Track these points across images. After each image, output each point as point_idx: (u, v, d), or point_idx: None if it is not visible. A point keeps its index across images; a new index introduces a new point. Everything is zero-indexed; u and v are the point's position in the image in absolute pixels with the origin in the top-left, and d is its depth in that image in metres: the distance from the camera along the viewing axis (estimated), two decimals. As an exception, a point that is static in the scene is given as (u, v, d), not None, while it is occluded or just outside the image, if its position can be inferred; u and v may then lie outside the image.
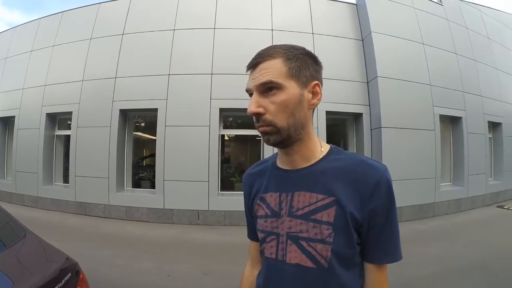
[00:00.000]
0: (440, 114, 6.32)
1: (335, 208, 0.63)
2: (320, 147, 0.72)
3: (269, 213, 0.71)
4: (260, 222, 0.73)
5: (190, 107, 5.31)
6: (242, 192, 0.85)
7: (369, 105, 5.95)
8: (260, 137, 5.34)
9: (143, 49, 5.72)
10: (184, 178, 5.19)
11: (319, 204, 0.64)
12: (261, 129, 0.64)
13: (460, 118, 6.78)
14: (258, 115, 0.63)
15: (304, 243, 0.64)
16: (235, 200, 5.18)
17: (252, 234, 0.84)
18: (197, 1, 5.91)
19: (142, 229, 4.74)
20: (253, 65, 0.65)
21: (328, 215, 0.63)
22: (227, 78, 5.37)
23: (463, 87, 6.89)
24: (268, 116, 0.63)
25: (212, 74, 5.43)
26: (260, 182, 0.77)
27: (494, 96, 7.82)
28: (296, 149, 0.69)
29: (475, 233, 4.81)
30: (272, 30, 5.73)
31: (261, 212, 0.73)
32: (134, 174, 6.03)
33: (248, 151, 6.73)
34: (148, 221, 5.17)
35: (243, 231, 3.83)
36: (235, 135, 6.36)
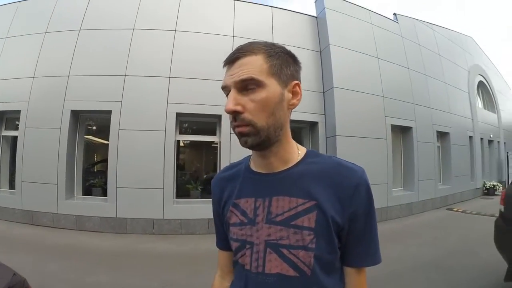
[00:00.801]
0: (392, 124, 6.65)
1: (316, 212, 0.60)
2: (297, 150, 0.69)
3: (244, 220, 0.66)
4: (234, 230, 0.67)
5: (146, 111, 5.09)
6: (211, 198, 0.80)
7: (325, 114, 6.12)
8: (216, 143, 5.22)
9: (100, 47, 5.40)
10: (138, 185, 4.95)
11: (300, 209, 0.61)
12: (239, 129, 0.59)
13: (410, 128, 7.19)
14: (236, 113, 0.58)
15: (285, 251, 0.61)
16: (191, 208, 5.06)
17: (222, 243, 0.79)
18: (159, 1, 5.74)
19: (94, 239, 4.45)
20: (231, 60, 0.60)
21: (309, 220, 0.60)
22: (185, 82, 5.24)
23: (414, 100, 7.32)
24: (247, 115, 0.58)
25: (170, 77, 5.27)
26: (232, 186, 0.72)
27: (443, 108, 8.39)
28: (274, 151, 0.65)
29: (427, 234, 5.06)
30: (233, 36, 5.71)
31: (234, 220, 0.68)
32: (85, 180, 5.65)
33: (203, 158, 6.62)
34: (100, 231, 4.85)
35: (200, 240, 4.06)
36: (190, 141, 6.20)
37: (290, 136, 0.68)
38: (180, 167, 5.64)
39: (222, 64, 0.62)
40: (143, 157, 4.99)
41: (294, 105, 0.64)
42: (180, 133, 5.48)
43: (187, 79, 5.26)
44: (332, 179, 0.63)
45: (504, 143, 13.27)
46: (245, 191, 0.68)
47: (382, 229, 5.38)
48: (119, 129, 5.06)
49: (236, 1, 6.05)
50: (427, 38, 8.52)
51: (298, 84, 0.64)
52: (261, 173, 0.67)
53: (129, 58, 5.33)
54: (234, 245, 0.68)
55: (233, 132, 0.61)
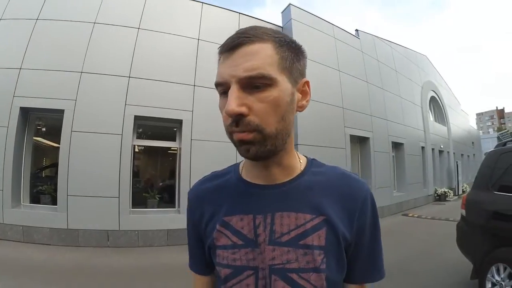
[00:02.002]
0: (350, 135, 7.09)
1: (325, 229, 0.55)
2: (299, 158, 0.61)
3: (239, 242, 0.56)
4: (224, 254, 0.57)
5: (102, 112, 4.86)
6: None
7: (287, 123, 6.32)
8: (174, 149, 5.06)
9: (57, 40, 5.04)
10: (91, 193, 4.67)
11: (308, 225, 0.54)
12: (241, 136, 0.48)
13: (368, 138, 7.73)
14: (241, 116, 0.47)
15: (294, 276, 0.53)
16: (149, 218, 4.91)
17: (199, 266, 0.67)
18: (124, -4, 5.52)
19: (43, 253, 4.10)
20: (232, 47, 0.48)
21: (319, 238, 0.54)
22: (145, 84, 5.10)
23: (371, 112, 7.89)
24: (253, 118, 0.47)
25: (129, 77, 5.08)
26: (218, 201, 0.61)
27: (398, 120, 9.12)
28: (278, 161, 0.56)
29: (387, 239, 5.28)
30: (198, 39, 5.71)
31: (224, 241, 0.57)
32: (33, 186, 5.17)
33: (158, 164, 6.44)
34: (50, 244, 4.49)
35: (160, 252, 3.81)
36: (145, 147, 5.96)
37: (293, 142, 0.59)
38: (135, 174, 5.37)
39: (218, 51, 0.51)
40: (97, 162, 4.74)
41: (303, 107, 0.56)
42: (136, 137, 5.30)
43: (147, 80, 5.13)
44: (339, 191, 0.58)
45: (454, 153, 14.72)
46: (239, 206, 0.58)
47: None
48: (71, 131, 4.75)
49: (203, 4, 6.07)
50: (385, 54, 9.25)
51: (308, 83, 0.56)
52: (260, 185, 0.58)
53: (87, 53, 5.03)
54: (224, 272, 0.57)
55: (230, 139, 0.51)
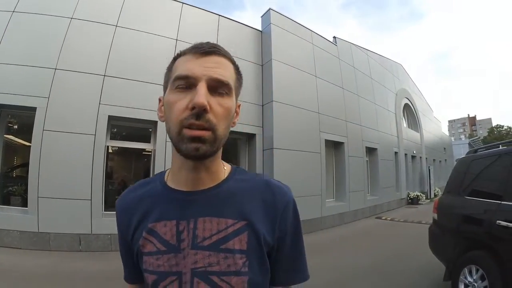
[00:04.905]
0: (325, 139, 7.55)
1: (247, 233, 0.59)
2: (223, 165, 0.66)
3: (162, 248, 0.59)
4: (150, 261, 0.60)
5: (75, 111, 4.88)
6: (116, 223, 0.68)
7: (263, 127, 6.69)
8: (149, 151, 5.15)
9: (32, 33, 4.99)
10: (62, 195, 4.66)
11: (230, 230, 0.58)
12: (198, 133, 0.52)
13: (342, 143, 8.24)
14: (204, 112, 0.52)
15: (215, 279, 0.57)
16: None
17: (132, 276, 0.71)
18: (103, -8, 5.52)
19: (13, 257, 4.04)
20: (208, 52, 0.56)
21: (241, 242, 0.58)
22: (121, 83, 5.18)
23: (346, 117, 8.43)
24: (212, 117, 0.53)
25: (104, 75, 5.13)
26: (144, 208, 0.63)
27: (372, 126, 9.78)
28: (207, 165, 0.60)
29: (362, 241, 5.63)
30: (176, 40, 5.88)
31: (149, 248, 0.60)
32: (3, 187, 5.08)
33: (132, 166, 6.45)
34: (20, 248, 4.44)
35: None
36: (119, 148, 5.96)
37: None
38: (108, 175, 5.36)
39: (188, 49, 0.57)
40: (69, 163, 4.73)
41: (234, 124, 0.63)
42: (110, 138, 5.33)
43: (123, 80, 5.20)
44: (262, 197, 0.63)
45: (426, 158, 15.77)
46: (164, 213, 0.61)
47: (318, 238, 5.89)
48: (43, 129, 4.71)
49: (184, 4, 6.23)
50: (361, 61, 9.91)
51: (239, 105, 0.65)
52: (185, 191, 0.61)
53: (62, 49, 5.00)
54: (151, 278, 0.60)
55: (176, 135, 0.53)
